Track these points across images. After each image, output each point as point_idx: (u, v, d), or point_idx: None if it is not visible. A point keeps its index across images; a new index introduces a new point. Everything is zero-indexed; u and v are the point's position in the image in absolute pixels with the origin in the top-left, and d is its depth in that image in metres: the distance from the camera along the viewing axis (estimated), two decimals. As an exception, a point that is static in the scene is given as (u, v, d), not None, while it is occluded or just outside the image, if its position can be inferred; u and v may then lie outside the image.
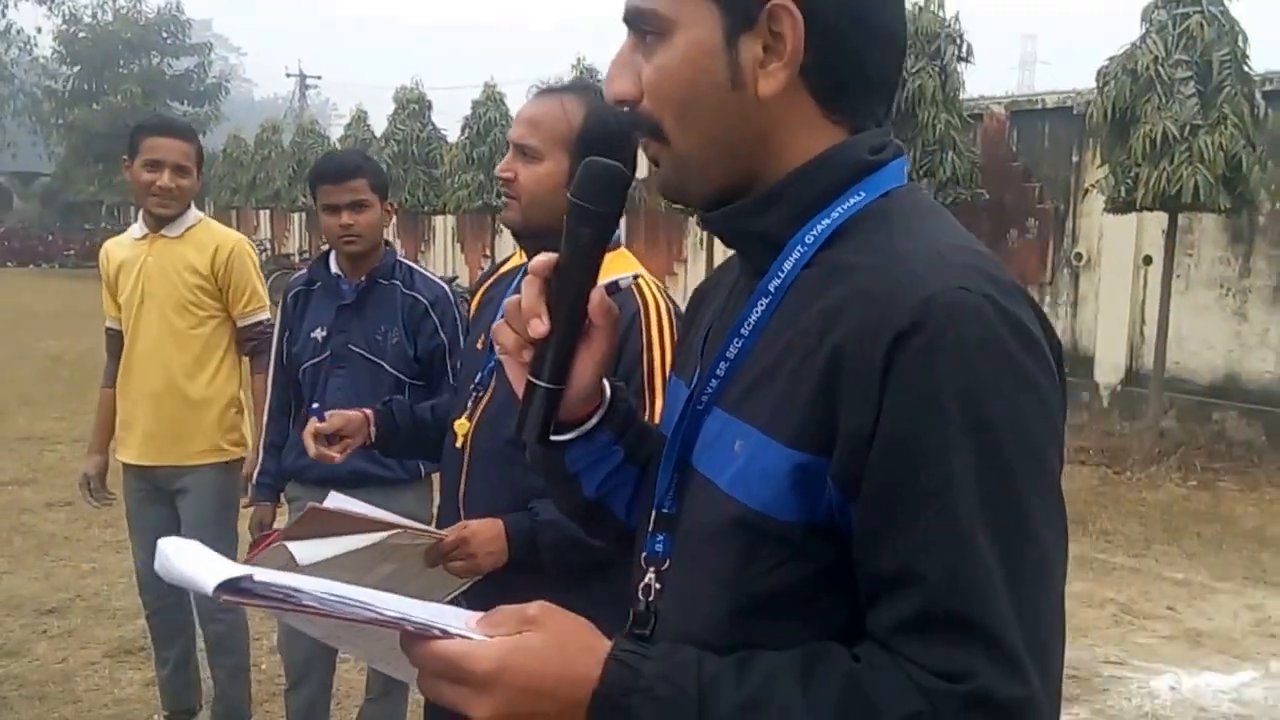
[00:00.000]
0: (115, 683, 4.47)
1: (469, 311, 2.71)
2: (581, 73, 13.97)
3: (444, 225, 21.85)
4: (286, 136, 27.00)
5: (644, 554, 1.15)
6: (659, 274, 15.52)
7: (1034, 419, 0.95)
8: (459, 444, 2.36)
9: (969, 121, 10.65)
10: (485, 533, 2.18)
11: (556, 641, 0.97)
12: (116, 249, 3.83)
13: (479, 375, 2.39)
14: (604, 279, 2.37)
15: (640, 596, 1.16)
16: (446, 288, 3.51)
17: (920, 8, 10.03)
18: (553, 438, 1.21)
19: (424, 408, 2.65)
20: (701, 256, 14.45)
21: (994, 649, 0.90)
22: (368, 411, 2.53)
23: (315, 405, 2.49)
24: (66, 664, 4.64)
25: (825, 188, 1.07)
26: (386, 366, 3.33)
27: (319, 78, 57.12)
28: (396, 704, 3.58)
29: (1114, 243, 10.62)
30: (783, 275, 1.07)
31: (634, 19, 1.10)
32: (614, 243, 2.37)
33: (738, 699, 0.94)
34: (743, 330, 1.09)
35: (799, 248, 1.06)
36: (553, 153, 2.20)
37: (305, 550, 1.95)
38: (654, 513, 1.15)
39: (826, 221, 1.06)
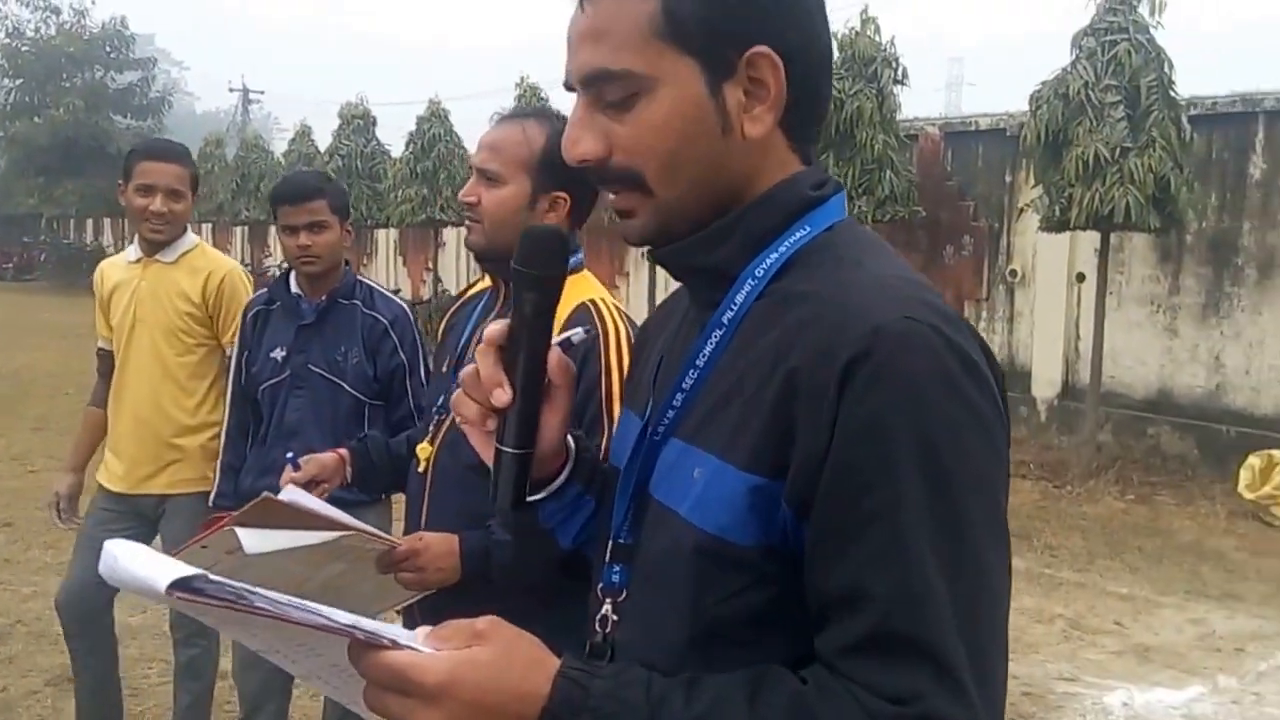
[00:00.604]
0: (58, 712, 4.25)
1: (439, 331, 2.63)
2: (525, 91, 13.87)
3: (386, 239, 21.63)
4: (230, 150, 26.63)
5: (600, 585, 1.15)
6: (603, 289, 15.41)
7: (978, 446, 0.97)
8: (421, 468, 2.32)
9: (905, 141, 10.70)
10: (438, 548, 2.13)
11: (505, 657, 0.95)
12: (112, 270, 3.70)
13: (440, 399, 2.33)
14: (574, 301, 2.24)
15: (597, 628, 1.15)
16: (405, 307, 3.41)
17: (858, 32, 10.09)
18: (527, 499, 1.20)
19: (399, 441, 2.57)
20: (644, 270, 14.37)
21: (940, 671, 0.91)
22: (342, 452, 2.46)
23: (290, 455, 2.40)
24: (7, 693, 4.42)
25: (773, 223, 1.10)
26: (346, 387, 3.24)
27: (262, 92, 56.38)
28: (352, 733, 3.44)
29: (1047, 260, 10.72)
30: (735, 307, 1.09)
31: (596, 80, 1.09)
32: (576, 265, 2.31)
33: (686, 718, 0.94)
34: (697, 361, 1.10)
35: (750, 280, 1.09)
36: (515, 176, 2.21)
37: (254, 539, 1.85)
38: (610, 543, 1.15)
39: (775, 255, 1.09)
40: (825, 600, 0.97)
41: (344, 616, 0.92)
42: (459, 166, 15.69)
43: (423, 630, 0.96)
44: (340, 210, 3.27)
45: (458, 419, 1.17)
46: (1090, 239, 9.47)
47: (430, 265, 19.47)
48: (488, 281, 2.49)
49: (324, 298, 3.26)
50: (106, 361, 3.68)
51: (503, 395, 1.11)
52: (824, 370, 0.96)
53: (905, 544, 0.92)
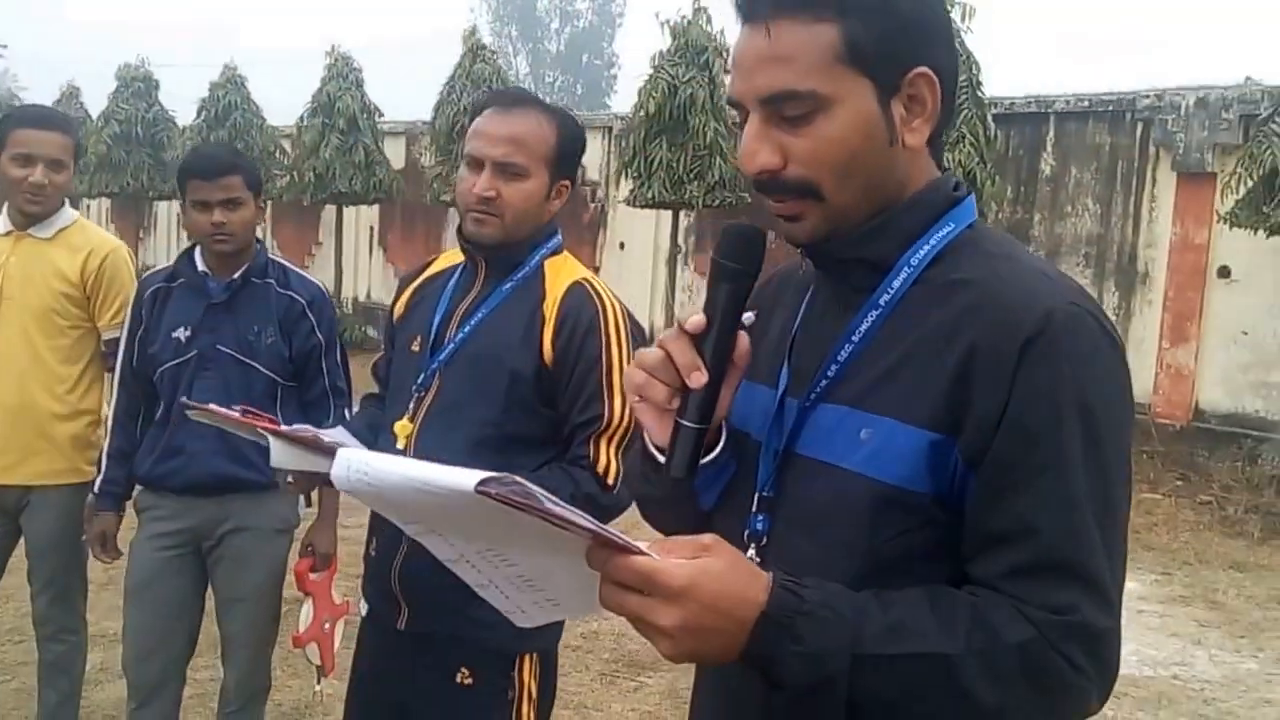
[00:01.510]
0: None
1: (397, 312, 2.62)
2: (337, 60, 13.49)
3: (168, 211, 20.48)
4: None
5: (746, 532, 1.29)
6: (412, 267, 15.17)
7: (1121, 412, 1.18)
8: (401, 445, 2.33)
9: (734, 129, 11.00)
10: None
11: (732, 567, 1.10)
12: None
13: (420, 376, 2.36)
14: (566, 281, 2.34)
15: None
16: (322, 286, 3.35)
17: (690, 22, 10.34)
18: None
19: (362, 431, 2.53)
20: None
21: (1091, 589, 1.12)
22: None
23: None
24: None
25: (923, 219, 1.27)
26: (260, 368, 3.14)
27: (5, 46, 51.81)
28: (254, 717, 3.38)
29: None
30: (892, 291, 1.25)
31: (776, 99, 1.22)
32: (556, 247, 2.39)
33: (885, 622, 1.11)
34: (853, 337, 1.25)
35: (905, 269, 1.25)
36: (537, 170, 2.27)
37: (282, 453, 1.97)
38: (756, 496, 1.30)
39: (927, 248, 1.25)
40: (990, 534, 1.15)
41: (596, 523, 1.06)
42: (257, 137, 15.10)
43: (644, 544, 1.09)
44: (254, 186, 3.16)
45: (637, 399, 1.28)
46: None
47: (219, 239, 18.66)
48: (448, 260, 2.53)
49: (235, 276, 3.13)
50: None
51: (701, 377, 1.23)
52: (1004, 345, 1.14)
53: (1068, 489, 1.13)
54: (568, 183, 2.36)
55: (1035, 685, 1.11)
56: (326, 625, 3.35)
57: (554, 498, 1.03)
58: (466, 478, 1.00)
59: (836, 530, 1.22)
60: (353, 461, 1.08)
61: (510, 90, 2.47)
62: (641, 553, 1.07)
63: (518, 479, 1.02)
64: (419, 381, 2.35)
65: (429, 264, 2.61)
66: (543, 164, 2.28)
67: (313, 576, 3.27)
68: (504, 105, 2.33)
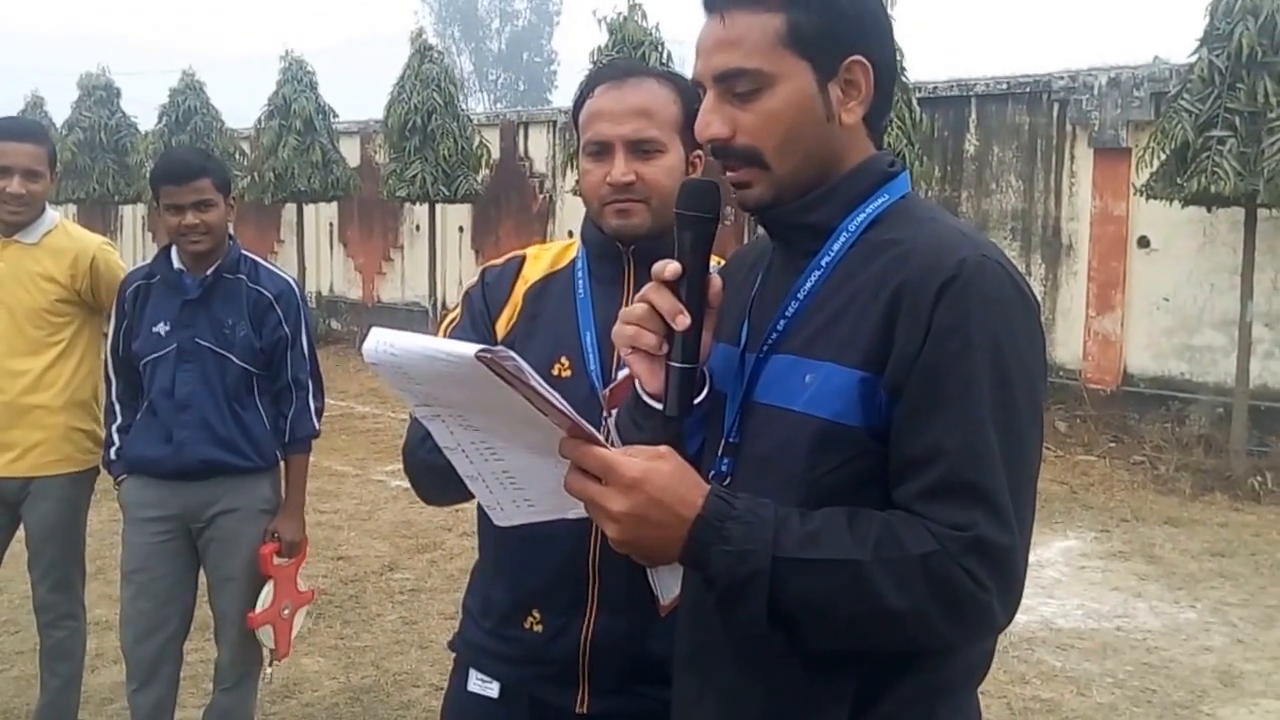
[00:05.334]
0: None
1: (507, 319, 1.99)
2: (291, 64, 13.36)
3: (133, 215, 20.20)
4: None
5: (711, 473, 1.39)
6: (374, 261, 15.10)
7: (1029, 351, 1.27)
8: None
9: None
10: None
11: (678, 472, 1.23)
12: None
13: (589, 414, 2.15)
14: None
15: None
16: (292, 281, 3.40)
17: (626, 18, 10.33)
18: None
19: None
20: (421, 241, 14.14)
21: (991, 509, 1.19)
22: None
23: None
24: None
25: (861, 189, 1.37)
26: (234, 359, 3.24)
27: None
28: (247, 694, 3.43)
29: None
30: (832, 254, 1.35)
31: (727, 76, 1.33)
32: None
33: (803, 531, 1.21)
34: (798, 295, 1.36)
35: (844, 233, 1.35)
36: (672, 142, 1.88)
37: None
38: (723, 442, 1.40)
39: (864, 215, 1.36)
40: (906, 460, 1.24)
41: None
42: (217, 139, 14.91)
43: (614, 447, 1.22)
44: (224, 187, 3.24)
45: (631, 349, 1.36)
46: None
47: (184, 241, 18.36)
48: (547, 262, 2.02)
49: (209, 273, 3.21)
50: None
51: (684, 319, 1.33)
52: (923, 289, 1.24)
53: (973, 416, 1.21)
54: (700, 154, 1.93)
55: (939, 595, 1.19)
56: (285, 611, 3.37)
57: (540, 379, 1.13)
58: (468, 347, 1.11)
59: (784, 465, 1.31)
60: (382, 337, 1.17)
61: (617, 62, 2.09)
62: (606, 445, 1.20)
63: (513, 354, 1.11)
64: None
65: (521, 262, 2.05)
66: (675, 134, 1.87)
67: (277, 561, 3.30)
68: (616, 78, 1.92)
